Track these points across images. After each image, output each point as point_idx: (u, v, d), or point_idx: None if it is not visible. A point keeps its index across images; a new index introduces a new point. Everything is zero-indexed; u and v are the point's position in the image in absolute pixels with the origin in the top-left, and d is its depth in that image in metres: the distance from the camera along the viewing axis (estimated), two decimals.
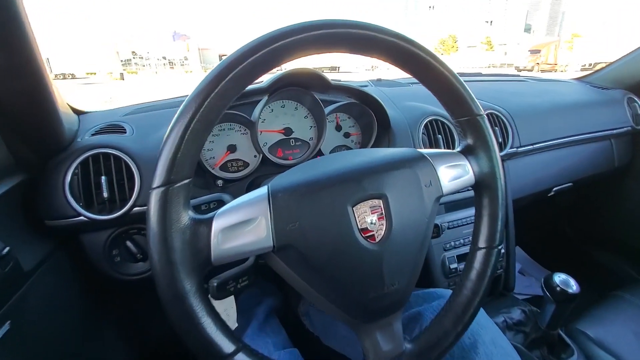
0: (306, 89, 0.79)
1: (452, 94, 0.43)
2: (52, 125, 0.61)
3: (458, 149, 0.48)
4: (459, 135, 0.49)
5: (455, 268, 0.93)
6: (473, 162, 0.46)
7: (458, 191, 0.47)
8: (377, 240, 0.39)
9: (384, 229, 0.39)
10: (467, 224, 0.96)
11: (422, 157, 0.44)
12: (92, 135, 0.73)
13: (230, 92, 0.34)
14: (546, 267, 1.72)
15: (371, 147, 0.87)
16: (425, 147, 0.88)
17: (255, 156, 0.81)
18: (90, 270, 0.70)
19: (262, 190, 0.38)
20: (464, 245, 0.96)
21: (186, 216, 0.34)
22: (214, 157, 0.78)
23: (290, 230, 0.36)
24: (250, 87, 0.73)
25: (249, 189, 0.77)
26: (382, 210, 0.39)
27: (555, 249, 1.73)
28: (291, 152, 0.84)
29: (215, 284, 0.47)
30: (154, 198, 0.32)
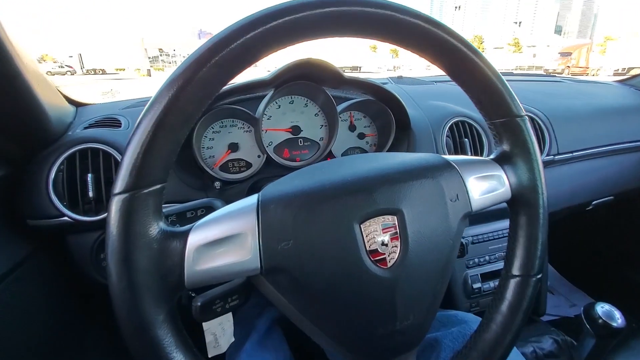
0: (317, 83, 0.71)
1: (488, 91, 0.37)
2: (34, 117, 0.56)
3: (491, 156, 0.41)
4: (493, 140, 0.42)
5: (479, 288, 0.83)
6: (510, 173, 0.39)
7: (490, 207, 0.39)
8: (389, 265, 0.33)
9: (398, 251, 0.33)
10: (494, 238, 0.86)
11: (447, 165, 0.37)
12: (85, 128, 0.68)
13: (214, 80, 0.28)
14: (577, 286, 1.58)
15: (388, 150, 0.79)
16: (449, 153, 0.79)
17: (258, 156, 0.74)
18: (74, 275, 0.66)
19: (251, 200, 0.32)
20: (489, 262, 0.86)
21: (155, 228, 0.28)
22: (213, 156, 0.72)
23: (282, 251, 0.30)
24: (253, 79, 0.66)
25: (250, 192, 0.71)
26: (396, 228, 0.33)
27: (589, 267, 1.58)
28: (299, 152, 0.77)
29: (199, 304, 0.41)
30: (115, 206, 0.26)
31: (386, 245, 0.33)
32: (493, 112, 0.38)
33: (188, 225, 0.31)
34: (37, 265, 0.63)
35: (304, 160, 0.77)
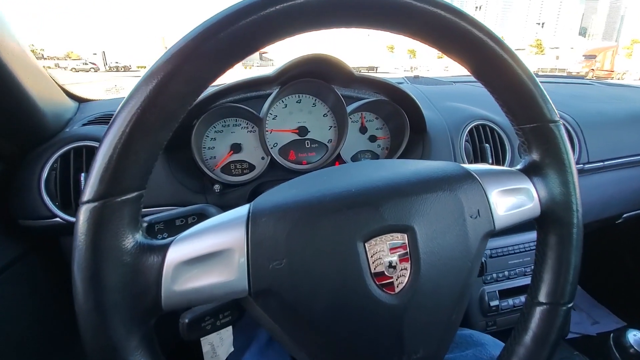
0: (326, 81, 0.67)
1: (517, 92, 0.32)
2: (24, 111, 0.54)
3: (518, 166, 0.37)
4: (520, 148, 0.37)
5: (497, 306, 0.77)
6: (540, 186, 0.35)
7: (516, 225, 0.34)
8: (397, 290, 0.29)
9: (408, 275, 0.29)
10: (514, 252, 0.80)
11: (467, 175, 0.33)
12: (83, 125, 0.66)
13: (200, 73, 0.25)
14: (601, 303, 1.48)
15: (401, 154, 0.74)
16: (468, 159, 0.74)
17: (262, 158, 0.71)
18: (69, 278, 0.63)
19: (241, 211, 0.29)
20: (508, 278, 0.80)
21: (130, 241, 0.25)
22: (215, 157, 0.69)
23: (273, 271, 0.27)
24: (257, 76, 0.62)
25: (252, 196, 0.67)
26: (406, 248, 0.29)
27: (615, 283, 1.49)
28: (305, 155, 0.73)
29: (186, 321, 0.37)
30: (83, 216, 0.23)
31: (394, 267, 0.29)
32: (522, 116, 0.34)
33: (168, 239, 0.27)
34: (28, 267, 0.60)
35: (311, 163, 0.73)
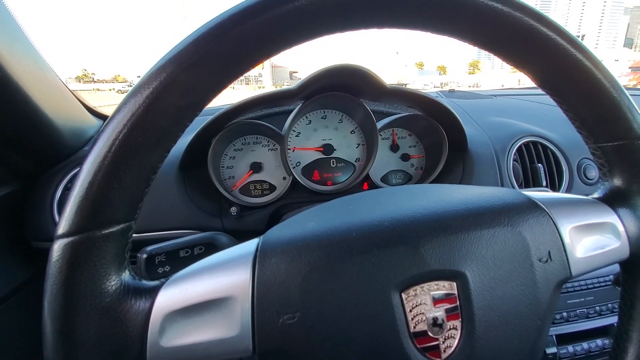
0: (354, 94, 0.62)
1: (597, 102, 0.27)
2: (39, 129, 0.53)
3: (596, 194, 0.31)
4: (598, 171, 0.30)
5: (554, 354, 0.66)
6: (628, 220, 0.28)
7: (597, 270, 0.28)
8: (445, 356, 0.23)
9: (459, 336, 0.23)
10: (574, 291, 0.69)
11: (532, 205, 0.27)
12: None
13: (201, 84, 0.21)
14: None
15: (438, 175, 0.67)
16: (517, 181, 0.65)
17: (284, 178, 0.67)
18: None
19: (247, 248, 0.25)
20: (567, 321, 0.69)
21: (113, 283, 0.22)
22: (233, 177, 0.65)
23: (284, 327, 0.22)
24: (279, 89, 0.59)
25: (271, 220, 0.62)
26: (456, 301, 0.24)
27: None
28: (331, 175, 0.69)
29: None
30: (56, 253, 0.20)
31: (440, 325, 0.23)
32: (602, 132, 0.28)
33: (158, 281, 0.24)
34: (39, 290, 0.58)
35: (337, 184, 0.68)
